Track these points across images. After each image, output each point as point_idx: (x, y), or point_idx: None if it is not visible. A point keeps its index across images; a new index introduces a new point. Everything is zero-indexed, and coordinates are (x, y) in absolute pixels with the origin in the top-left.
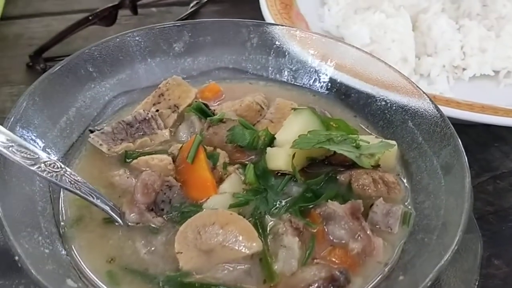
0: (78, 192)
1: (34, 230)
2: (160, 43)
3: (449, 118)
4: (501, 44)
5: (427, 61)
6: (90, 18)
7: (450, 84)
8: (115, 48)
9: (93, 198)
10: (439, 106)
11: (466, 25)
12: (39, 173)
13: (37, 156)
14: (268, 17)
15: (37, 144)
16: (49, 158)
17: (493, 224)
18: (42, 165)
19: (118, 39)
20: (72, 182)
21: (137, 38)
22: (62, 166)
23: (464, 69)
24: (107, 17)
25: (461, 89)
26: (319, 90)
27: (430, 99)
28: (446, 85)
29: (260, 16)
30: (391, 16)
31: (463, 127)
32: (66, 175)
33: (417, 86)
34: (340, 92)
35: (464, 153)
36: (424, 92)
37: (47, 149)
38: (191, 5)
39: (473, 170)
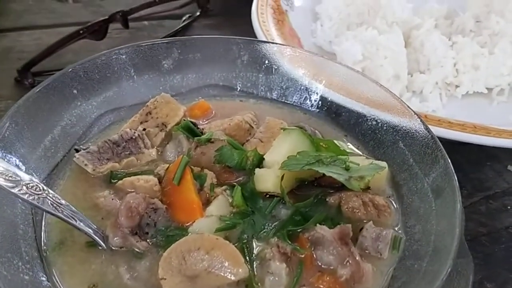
0: (60, 215)
1: (14, 255)
2: (148, 60)
3: (441, 137)
4: (494, 61)
5: (420, 78)
6: (81, 32)
7: (443, 102)
8: (102, 65)
9: (76, 221)
10: (431, 126)
11: (459, 42)
12: (20, 195)
13: (18, 178)
14: (259, 33)
15: (20, 165)
16: (31, 180)
17: (486, 246)
18: (24, 187)
19: (105, 56)
20: (55, 205)
21: (124, 56)
22: (45, 188)
23: (457, 86)
24: (98, 31)
25: (454, 106)
26: (310, 108)
27: (421, 120)
28: (438, 102)
29: (253, 30)
30: (384, 32)
31: (456, 146)
32: (48, 197)
33: (408, 106)
34: (330, 111)
35: (455, 176)
36: (415, 113)
37: (30, 170)
38: (184, 18)
39: (465, 190)
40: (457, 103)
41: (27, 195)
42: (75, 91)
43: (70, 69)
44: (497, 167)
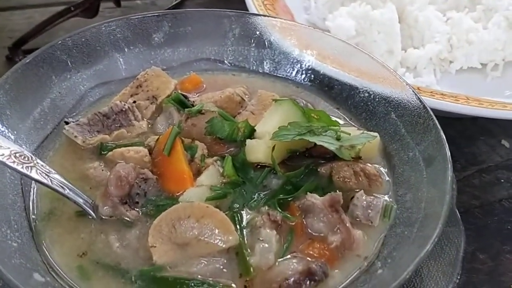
0: (49, 184)
1: (2, 223)
2: (139, 34)
3: (435, 110)
4: (488, 36)
5: (414, 53)
6: (72, 9)
7: (437, 77)
8: (92, 38)
9: (65, 191)
10: (423, 98)
11: (454, 17)
12: (8, 163)
13: (7, 147)
14: (252, 8)
15: (9, 135)
16: (19, 149)
17: (479, 218)
18: (12, 156)
19: (95, 29)
20: (43, 174)
21: (114, 28)
22: (33, 157)
23: (451, 62)
24: (89, 9)
25: (448, 82)
26: (302, 82)
27: (413, 90)
28: (432, 78)
29: (246, 9)
30: (377, 7)
31: (450, 120)
32: (37, 166)
33: (401, 77)
34: (323, 84)
35: (447, 145)
36: (407, 83)
37: (19, 141)
38: None
39: (459, 164)
40: (451, 78)
41: (15, 163)
42: (62, 65)
43: (60, 41)
44: (491, 141)
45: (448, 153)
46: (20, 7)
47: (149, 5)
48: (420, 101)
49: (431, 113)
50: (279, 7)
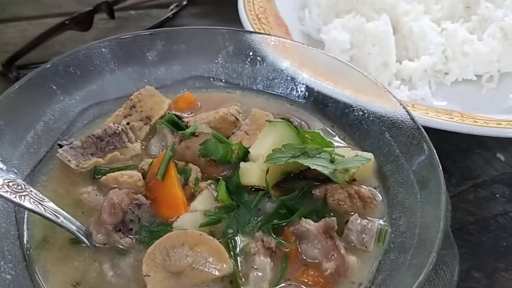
0: (42, 213)
1: None
2: (132, 52)
3: (429, 126)
4: (483, 47)
5: (409, 66)
6: (66, 23)
7: (432, 89)
8: (84, 59)
9: (58, 219)
10: (418, 115)
11: (448, 28)
12: (1, 193)
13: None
14: (246, 22)
15: (1, 162)
16: (12, 177)
17: (474, 235)
18: (5, 186)
19: (87, 49)
20: (36, 203)
21: (107, 48)
22: (26, 186)
23: (446, 74)
24: (83, 22)
25: (443, 94)
26: (297, 99)
27: (407, 110)
28: (427, 90)
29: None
30: (372, 19)
31: (446, 133)
32: (30, 195)
33: (394, 96)
34: (317, 102)
35: (441, 167)
36: (400, 102)
37: (12, 167)
38: (171, 7)
39: (454, 179)
40: (446, 90)
41: (8, 193)
42: (55, 87)
43: (49, 65)
44: (486, 154)
45: (442, 176)
46: (14, 19)
47: (143, 16)
48: (414, 121)
49: (425, 134)
50: (273, 20)
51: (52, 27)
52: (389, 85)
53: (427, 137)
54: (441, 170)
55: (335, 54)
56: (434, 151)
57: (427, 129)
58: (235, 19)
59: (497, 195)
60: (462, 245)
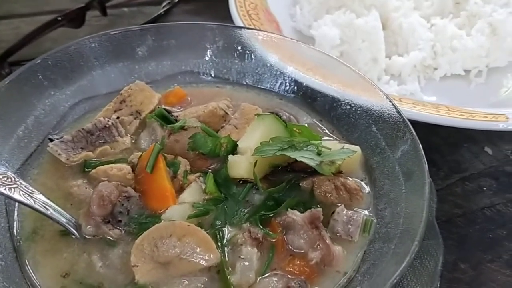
0: (32, 205)
1: None
2: (122, 48)
3: (415, 120)
4: (472, 43)
5: (398, 61)
6: (58, 20)
7: (421, 84)
8: (75, 54)
9: (48, 211)
10: (405, 109)
11: (438, 24)
12: None
13: None
14: (236, 18)
15: None
16: (2, 171)
17: (461, 227)
18: None
19: (78, 45)
20: (26, 195)
21: (97, 43)
22: (16, 178)
23: (435, 69)
24: (76, 19)
25: (432, 89)
26: (286, 93)
27: (393, 103)
28: (416, 85)
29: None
30: (361, 15)
31: (434, 127)
32: (20, 187)
33: (380, 89)
34: (306, 96)
35: (425, 159)
36: (387, 96)
37: (3, 160)
38: (163, 4)
39: (442, 172)
40: (435, 85)
41: None
42: (46, 82)
43: (39, 60)
44: (474, 148)
45: (426, 168)
46: (7, 17)
47: (136, 13)
48: (400, 114)
49: (411, 127)
50: (264, 16)
51: (44, 24)
52: (379, 80)
53: (412, 130)
54: (426, 162)
55: (325, 50)
56: (419, 142)
57: (416, 123)
58: (228, 16)
59: (484, 188)
60: (449, 237)
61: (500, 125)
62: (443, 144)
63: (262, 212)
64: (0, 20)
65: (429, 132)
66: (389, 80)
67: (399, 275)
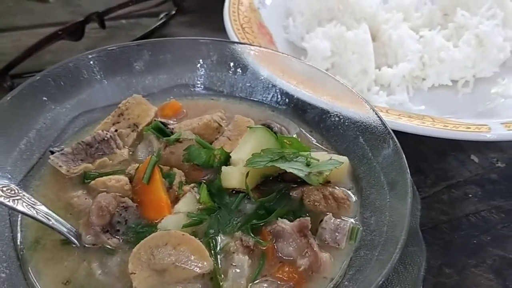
0: (35, 215)
1: None
2: (119, 63)
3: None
4: (459, 54)
5: (388, 72)
6: (58, 33)
7: (410, 94)
8: (74, 70)
9: (50, 221)
10: (391, 120)
11: (426, 35)
12: None
13: None
14: (230, 32)
15: None
16: (6, 183)
17: (446, 233)
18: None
19: (77, 60)
20: (29, 206)
21: (95, 60)
22: (19, 190)
23: (423, 79)
24: (75, 32)
25: (421, 99)
26: (277, 105)
27: (379, 115)
28: (405, 95)
29: None
30: (352, 28)
31: (423, 137)
32: (23, 199)
33: (367, 102)
34: (297, 108)
35: (408, 170)
36: (373, 108)
37: (6, 173)
38: (160, 16)
39: (429, 180)
40: (423, 95)
41: (2, 197)
42: (46, 97)
43: (39, 77)
44: (461, 156)
45: (410, 178)
46: (7, 29)
47: (134, 25)
48: (385, 126)
49: (395, 138)
50: (257, 29)
51: (45, 37)
52: (369, 90)
53: (397, 141)
54: (409, 172)
55: (317, 62)
56: (403, 153)
57: (405, 133)
58: (222, 27)
59: (470, 195)
60: (435, 243)
61: (486, 135)
62: (431, 153)
63: (254, 221)
64: (1, 33)
65: (417, 141)
66: (379, 91)
67: (379, 281)
